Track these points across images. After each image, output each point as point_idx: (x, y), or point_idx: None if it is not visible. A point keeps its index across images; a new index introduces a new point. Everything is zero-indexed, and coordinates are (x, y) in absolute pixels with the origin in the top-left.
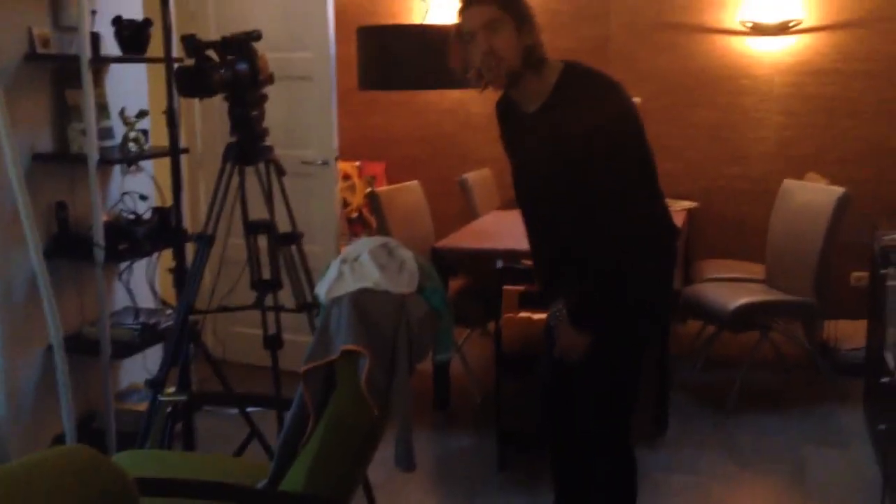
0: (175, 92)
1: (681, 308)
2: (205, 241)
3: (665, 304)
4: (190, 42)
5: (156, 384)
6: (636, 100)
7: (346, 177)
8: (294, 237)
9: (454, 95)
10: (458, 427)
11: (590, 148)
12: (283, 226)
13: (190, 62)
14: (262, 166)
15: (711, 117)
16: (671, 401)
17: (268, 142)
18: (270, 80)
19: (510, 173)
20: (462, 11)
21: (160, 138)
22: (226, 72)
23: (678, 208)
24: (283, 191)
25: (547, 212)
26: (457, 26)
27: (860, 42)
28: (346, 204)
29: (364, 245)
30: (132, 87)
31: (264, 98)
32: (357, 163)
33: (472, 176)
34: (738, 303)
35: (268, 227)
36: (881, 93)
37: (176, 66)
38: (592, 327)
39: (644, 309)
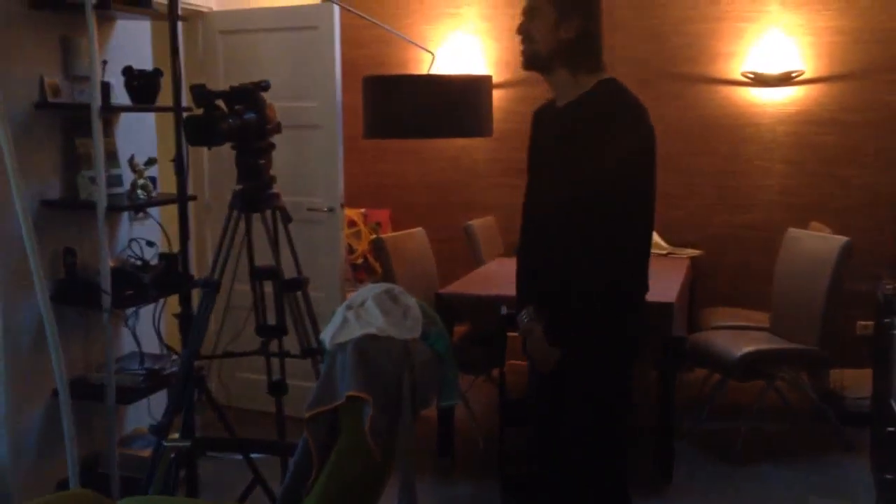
0: (184, 140)
1: (686, 356)
2: (211, 287)
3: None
4: (199, 91)
5: (160, 430)
6: None
7: (352, 223)
8: (300, 283)
9: (459, 143)
10: (461, 474)
11: (603, 160)
12: (290, 272)
13: (198, 111)
14: (268, 213)
15: (715, 166)
16: (676, 450)
17: (275, 189)
18: (278, 129)
19: (514, 219)
20: None
21: (168, 185)
22: (234, 121)
23: (682, 256)
24: (289, 238)
25: (548, 209)
26: None
27: (860, 93)
28: (351, 250)
29: (369, 291)
30: (142, 135)
31: (271, 147)
32: (362, 210)
33: (476, 223)
34: (745, 350)
35: (274, 273)
36: (881, 142)
37: (184, 115)
38: (564, 343)
39: (616, 334)
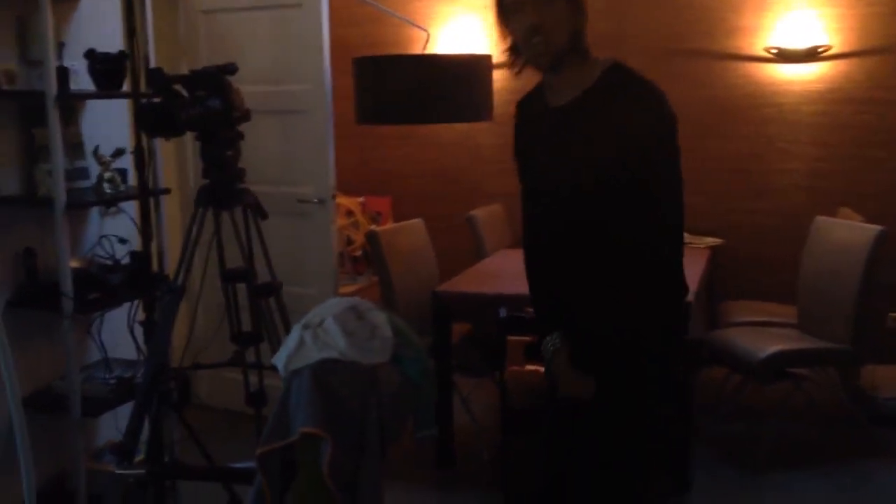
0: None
1: (706, 355)
2: (174, 293)
3: (675, 355)
4: (156, 76)
5: (123, 450)
6: None
7: (350, 213)
8: (272, 288)
9: (461, 127)
10: (465, 487)
11: (624, 159)
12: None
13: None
14: (238, 210)
15: (734, 148)
16: (695, 456)
17: (246, 183)
18: (247, 116)
19: (520, 201)
20: None
21: None
22: (195, 109)
23: (701, 245)
24: (260, 237)
25: (559, 227)
26: None
27: (894, 68)
28: (349, 242)
29: (330, 308)
30: (111, 124)
31: (239, 136)
32: (360, 198)
33: (480, 213)
34: (769, 351)
35: (246, 275)
36: None
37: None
38: (597, 370)
39: (654, 357)
